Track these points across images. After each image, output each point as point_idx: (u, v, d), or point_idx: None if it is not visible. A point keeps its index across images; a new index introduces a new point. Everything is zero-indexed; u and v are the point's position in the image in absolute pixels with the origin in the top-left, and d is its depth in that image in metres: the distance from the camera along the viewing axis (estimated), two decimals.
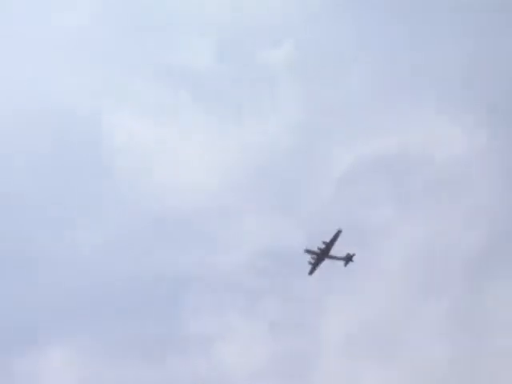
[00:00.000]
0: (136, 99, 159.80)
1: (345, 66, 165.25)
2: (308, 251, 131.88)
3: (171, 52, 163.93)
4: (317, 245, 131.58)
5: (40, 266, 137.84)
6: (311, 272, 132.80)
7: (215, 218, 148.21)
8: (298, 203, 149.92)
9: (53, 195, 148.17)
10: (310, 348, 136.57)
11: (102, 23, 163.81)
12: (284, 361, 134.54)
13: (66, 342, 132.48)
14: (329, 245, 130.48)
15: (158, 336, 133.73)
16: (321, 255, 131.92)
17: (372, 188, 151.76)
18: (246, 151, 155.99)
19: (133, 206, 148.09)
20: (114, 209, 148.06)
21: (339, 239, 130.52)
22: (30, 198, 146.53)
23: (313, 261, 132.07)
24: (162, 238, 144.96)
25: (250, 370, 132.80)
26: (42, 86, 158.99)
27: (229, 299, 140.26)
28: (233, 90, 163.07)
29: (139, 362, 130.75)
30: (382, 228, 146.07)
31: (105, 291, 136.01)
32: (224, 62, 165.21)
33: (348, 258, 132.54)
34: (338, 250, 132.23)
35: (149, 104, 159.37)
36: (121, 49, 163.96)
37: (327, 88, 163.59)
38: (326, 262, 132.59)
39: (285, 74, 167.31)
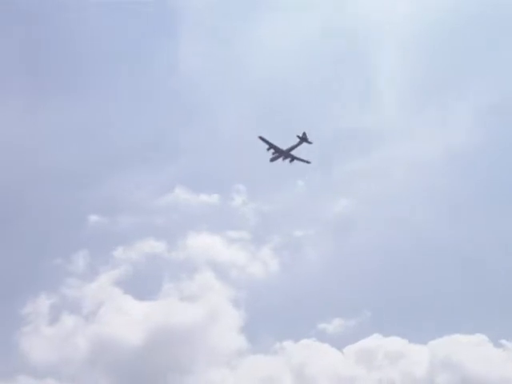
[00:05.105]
0: None
1: None
2: (272, 159, 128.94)
3: None
4: None
5: None
6: (308, 161, 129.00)
7: None
8: None
9: None
10: None
11: None
12: None
13: None
14: (271, 145, 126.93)
15: None
16: (282, 154, 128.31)
17: None
18: None
19: None
20: None
21: None
22: None
23: (291, 158, 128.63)
24: None
25: None
26: None
27: None
28: None
29: None
30: None
31: None
32: None
33: (303, 138, 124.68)
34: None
35: None
36: None
37: None
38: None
39: None
